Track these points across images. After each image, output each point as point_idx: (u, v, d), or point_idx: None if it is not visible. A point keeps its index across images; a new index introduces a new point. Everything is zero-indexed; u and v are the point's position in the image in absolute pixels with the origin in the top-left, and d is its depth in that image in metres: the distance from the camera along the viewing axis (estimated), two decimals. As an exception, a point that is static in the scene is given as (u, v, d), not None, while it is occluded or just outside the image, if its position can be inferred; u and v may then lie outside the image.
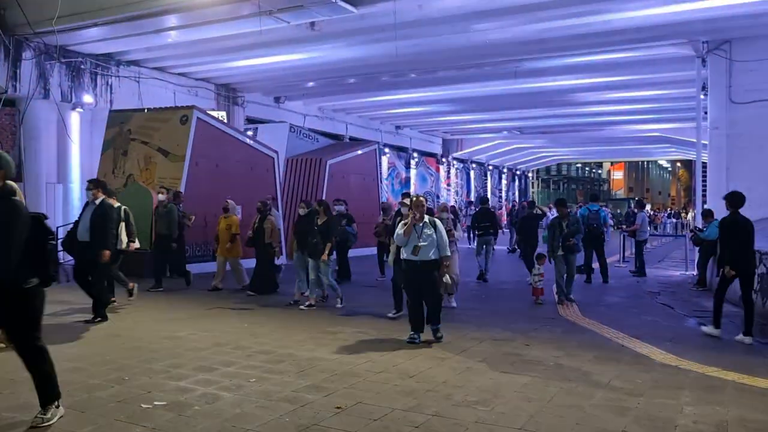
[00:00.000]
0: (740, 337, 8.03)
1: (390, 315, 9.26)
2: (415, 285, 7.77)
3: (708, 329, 8.43)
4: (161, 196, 12.37)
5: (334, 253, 10.81)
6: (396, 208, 11.09)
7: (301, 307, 10.06)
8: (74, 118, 16.52)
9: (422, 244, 7.56)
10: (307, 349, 7.29)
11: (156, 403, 5.27)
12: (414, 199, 7.95)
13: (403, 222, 7.83)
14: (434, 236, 7.64)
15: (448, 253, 7.85)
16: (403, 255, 7.75)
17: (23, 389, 5.61)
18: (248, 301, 10.85)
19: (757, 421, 5.00)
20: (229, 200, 12.58)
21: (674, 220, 40.77)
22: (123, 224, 9.70)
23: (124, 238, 9.78)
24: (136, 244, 10.35)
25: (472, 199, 36.58)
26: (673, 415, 5.13)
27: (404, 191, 16.71)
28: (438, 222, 7.84)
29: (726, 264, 8.20)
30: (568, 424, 4.86)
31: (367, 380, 6.02)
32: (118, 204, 9.83)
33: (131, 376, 6.04)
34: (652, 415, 5.11)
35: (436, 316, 7.77)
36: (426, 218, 7.71)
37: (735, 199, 8.45)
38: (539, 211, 18.51)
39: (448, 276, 7.92)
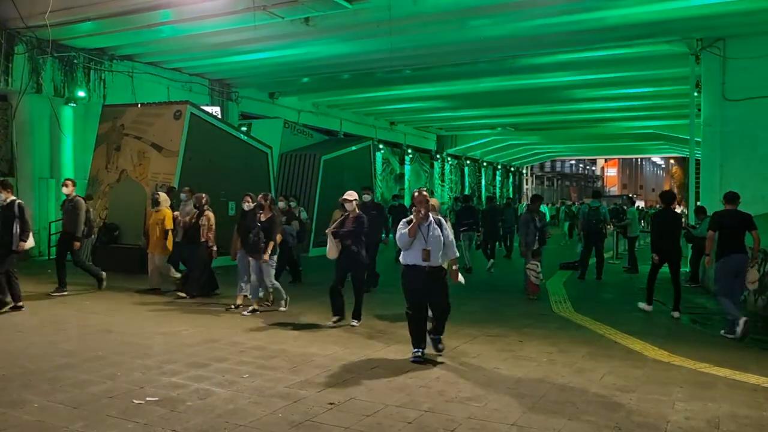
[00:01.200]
0: (674, 313, 9.54)
1: (330, 323, 8.28)
2: (420, 295, 6.61)
3: (642, 305, 9.91)
4: (65, 189, 10.91)
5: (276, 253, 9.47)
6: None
7: (244, 312, 9.15)
8: (67, 113, 16.46)
9: (429, 247, 6.48)
10: (300, 345, 7.28)
11: (148, 398, 5.26)
12: (416, 194, 6.72)
13: (405, 220, 6.68)
14: (441, 237, 6.59)
15: (457, 255, 6.90)
16: (406, 260, 6.61)
17: (14, 385, 5.60)
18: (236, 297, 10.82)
19: (748, 417, 5.03)
20: (160, 192, 11.55)
21: None
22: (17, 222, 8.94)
23: (31, 240, 9.16)
24: (30, 243, 9.24)
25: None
26: (665, 410, 5.16)
27: (365, 186, 15.98)
28: (443, 221, 6.80)
29: (654, 251, 9.76)
30: (560, 420, 4.88)
31: (360, 376, 6.03)
32: (12, 198, 9.12)
33: (124, 372, 6.02)
34: (644, 411, 5.13)
35: (442, 325, 6.84)
36: (431, 217, 6.63)
37: (667, 197, 10.31)
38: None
39: (462, 278, 7.05)
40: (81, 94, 16.41)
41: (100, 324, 8.34)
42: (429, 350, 6.76)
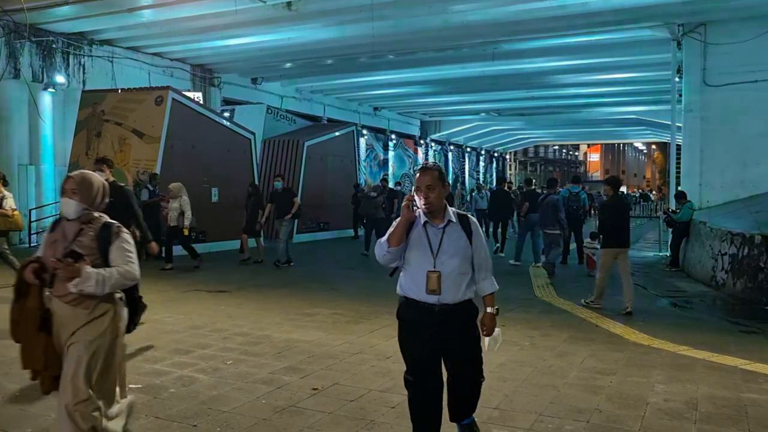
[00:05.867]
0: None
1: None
2: (427, 351, 3.74)
3: (512, 261, 13.16)
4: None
5: None
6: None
7: None
8: (46, 99, 16.24)
9: (440, 269, 3.64)
10: (284, 330, 7.29)
11: (131, 386, 5.24)
12: (419, 173, 3.74)
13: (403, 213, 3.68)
14: (469, 251, 3.74)
15: (496, 287, 3.97)
16: (402, 290, 3.78)
17: (-4, 373, 5.56)
18: (225, 283, 10.80)
19: (726, 398, 5.12)
20: None
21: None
22: None
23: None
24: None
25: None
26: (644, 392, 5.23)
27: (276, 174, 14.78)
28: (474, 222, 3.85)
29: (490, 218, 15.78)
30: (542, 403, 4.93)
31: (344, 361, 6.05)
32: None
33: (106, 360, 5.99)
34: (624, 393, 5.20)
35: (471, 403, 3.97)
36: (451, 212, 3.74)
37: (499, 181, 15.32)
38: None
39: (497, 333, 3.95)
40: (60, 79, 16.18)
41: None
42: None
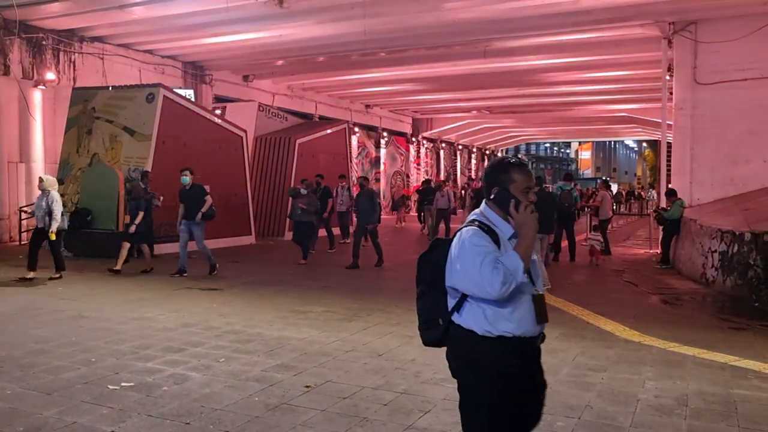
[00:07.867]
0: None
1: None
2: (528, 407, 2.97)
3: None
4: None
5: None
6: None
7: None
8: (36, 96, 16.14)
9: (541, 290, 2.99)
10: (277, 328, 7.29)
11: (123, 384, 5.24)
12: (520, 169, 2.80)
13: (476, 220, 2.78)
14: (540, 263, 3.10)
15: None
16: (492, 326, 2.74)
17: (-13, 372, 5.53)
18: (217, 281, 10.78)
19: (715, 395, 5.16)
20: None
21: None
22: None
23: None
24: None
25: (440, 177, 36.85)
26: (635, 389, 5.26)
27: (183, 168, 11.79)
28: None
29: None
30: (533, 400, 4.95)
31: (336, 359, 6.06)
32: None
33: (98, 358, 5.98)
34: (615, 390, 5.23)
35: None
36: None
37: (363, 180, 14.14)
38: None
39: None
40: (50, 76, 16.08)
41: (74, 309, 8.26)
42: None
